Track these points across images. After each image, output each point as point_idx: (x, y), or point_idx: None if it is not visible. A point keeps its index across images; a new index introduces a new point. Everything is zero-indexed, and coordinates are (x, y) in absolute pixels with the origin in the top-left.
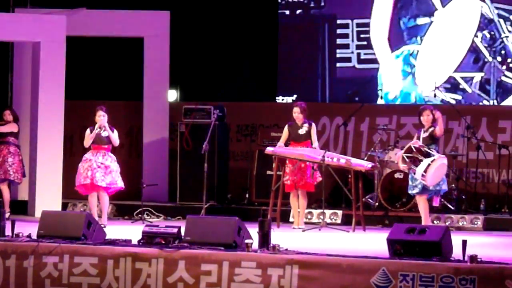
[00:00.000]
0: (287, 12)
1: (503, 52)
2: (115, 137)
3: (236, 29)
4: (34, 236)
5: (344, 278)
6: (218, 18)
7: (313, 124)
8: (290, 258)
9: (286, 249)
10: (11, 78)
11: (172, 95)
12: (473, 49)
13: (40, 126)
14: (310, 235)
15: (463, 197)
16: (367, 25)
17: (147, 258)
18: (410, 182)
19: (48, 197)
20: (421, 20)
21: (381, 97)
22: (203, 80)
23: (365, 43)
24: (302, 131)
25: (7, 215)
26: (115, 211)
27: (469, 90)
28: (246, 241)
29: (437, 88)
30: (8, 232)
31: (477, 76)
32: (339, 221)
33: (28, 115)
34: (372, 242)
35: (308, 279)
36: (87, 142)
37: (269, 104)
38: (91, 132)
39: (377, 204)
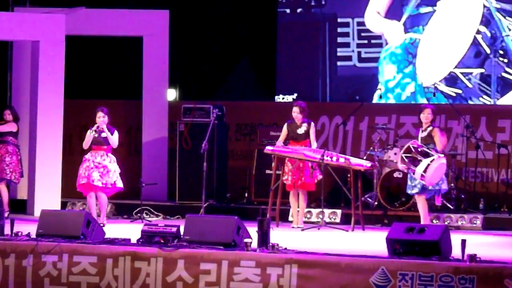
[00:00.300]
0: (288, 10)
1: (502, 52)
2: (113, 139)
3: (235, 28)
4: (33, 235)
5: (343, 278)
6: (217, 17)
7: (312, 124)
8: (289, 258)
9: (285, 249)
10: (10, 77)
11: (171, 94)
12: (475, 43)
13: (39, 125)
14: (309, 235)
15: (462, 196)
16: None
17: (146, 257)
18: (409, 182)
19: (47, 196)
20: (424, 9)
21: (380, 96)
22: (202, 79)
23: (365, 41)
24: (301, 130)
25: (6, 214)
26: (114, 210)
27: (469, 85)
28: (245, 240)
29: (436, 89)
30: (7, 231)
31: (477, 72)
32: (338, 220)
33: (27, 114)
34: (371, 242)
35: (307, 279)
36: (85, 144)
37: (268, 103)
38: (93, 131)
39: (376, 203)
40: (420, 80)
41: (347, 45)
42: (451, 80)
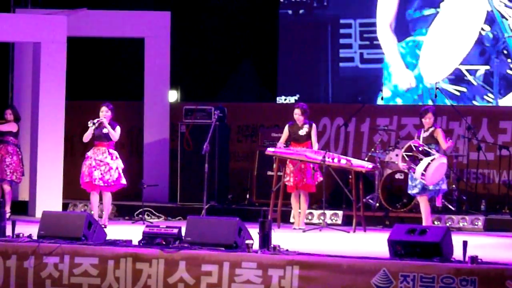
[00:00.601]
0: (290, 12)
1: (505, 52)
2: (114, 133)
3: (236, 29)
4: (35, 237)
5: (345, 279)
6: (219, 18)
7: (314, 125)
8: (291, 259)
9: (287, 250)
10: (12, 79)
11: (173, 95)
12: (479, 41)
13: (41, 126)
14: (311, 236)
15: (464, 197)
16: (370, 25)
17: (148, 258)
18: (409, 182)
19: (49, 198)
20: (427, 11)
21: (382, 98)
22: (203, 81)
23: (368, 42)
24: (302, 131)
25: (7, 215)
26: (116, 211)
27: (474, 83)
28: (247, 241)
29: (438, 89)
30: (8, 232)
31: (482, 69)
32: (339, 221)
33: (28, 116)
34: (373, 243)
35: (308, 280)
36: (85, 137)
37: (270, 105)
38: (92, 123)
39: (377, 204)
40: (425, 79)
41: (349, 46)
42: (455, 78)
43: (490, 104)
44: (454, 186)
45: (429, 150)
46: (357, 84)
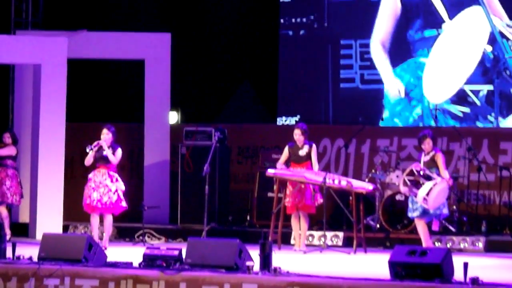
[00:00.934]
0: (290, 32)
1: (507, 72)
2: (112, 156)
3: (237, 50)
4: (35, 259)
5: None
6: (219, 39)
7: (314, 146)
8: (291, 281)
9: (288, 272)
10: (12, 100)
11: (173, 117)
12: (482, 61)
13: (41, 148)
14: (312, 257)
15: (464, 219)
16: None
17: (148, 280)
18: (410, 205)
19: (49, 220)
20: (428, 33)
21: (382, 119)
22: (204, 102)
23: (368, 63)
24: (302, 152)
25: (8, 237)
26: (116, 233)
27: (478, 103)
28: (247, 263)
29: (438, 109)
30: (9, 254)
31: (485, 89)
32: (340, 243)
33: (29, 137)
34: (374, 264)
35: None
36: (86, 161)
37: (270, 126)
38: (89, 149)
39: (378, 226)
40: (428, 100)
41: (349, 67)
42: (458, 98)
43: (491, 125)
44: (454, 207)
45: (431, 174)
46: (357, 104)
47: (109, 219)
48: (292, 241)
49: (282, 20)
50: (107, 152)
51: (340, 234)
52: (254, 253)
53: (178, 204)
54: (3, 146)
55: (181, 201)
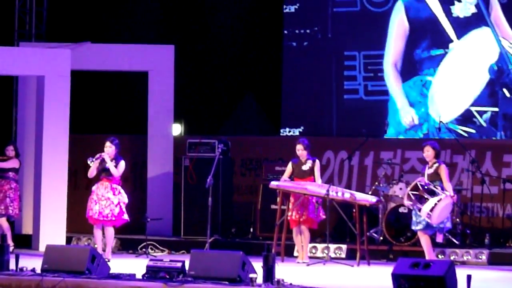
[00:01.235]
0: (294, 44)
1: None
2: (114, 169)
3: (240, 62)
4: (38, 270)
5: None
6: (223, 51)
7: (317, 161)
8: None
9: (291, 284)
10: (16, 112)
11: (177, 129)
12: (489, 83)
13: (45, 160)
14: (315, 270)
15: (468, 231)
16: (374, 57)
17: None
18: (413, 218)
19: (52, 231)
20: (435, 52)
21: (385, 132)
22: (207, 114)
23: (372, 74)
24: (305, 167)
25: (11, 249)
26: (119, 245)
27: (483, 124)
28: (251, 275)
29: (441, 123)
30: (12, 266)
31: (489, 111)
32: (343, 255)
33: (32, 149)
34: (377, 277)
35: None
36: (89, 173)
37: (274, 138)
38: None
39: (381, 238)
40: (434, 119)
41: (353, 78)
42: (464, 119)
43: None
44: (458, 219)
45: (435, 189)
46: (361, 116)
47: (110, 231)
48: (295, 253)
49: (285, 31)
50: (109, 165)
51: (343, 247)
52: (257, 265)
53: (181, 216)
54: (6, 159)
55: (184, 213)
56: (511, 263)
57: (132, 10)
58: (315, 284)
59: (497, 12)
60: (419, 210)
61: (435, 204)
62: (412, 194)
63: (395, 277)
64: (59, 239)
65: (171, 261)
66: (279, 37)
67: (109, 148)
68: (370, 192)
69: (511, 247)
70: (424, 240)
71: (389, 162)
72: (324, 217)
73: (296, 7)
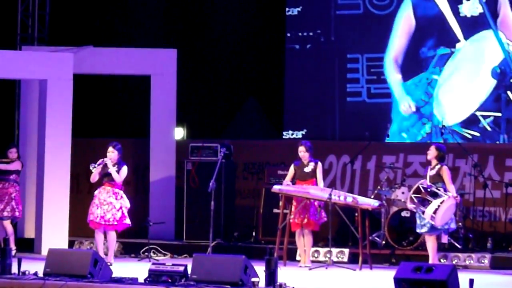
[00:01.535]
0: (297, 46)
1: None
2: (116, 174)
3: (242, 66)
4: (41, 274)
5: None
6: (225, 55)
7: (319, 163)
8: None
9: None
10: (18, 116)
11: (179, 133)
12: (495, 88)
13: (47, 163)
14: (317, 274)
15: (470, 235)
16: (377, 59)
17: None
18: (418, 221)
19: (55, 235)
20: (441, 51)
21: (388, 136)
22: (210, 118)
23: (375, 77)
24: (307, 169)
25: (13, 252)
26: (122, 249)
27: (488, 128)
28: (253, 279)
29: (444, 127)
30: (14, 270)
31: (492, 115)
32: (346, 259)
33: (34, 153)
34: (379, 281)
35: None
36: (91, 178)
37: (276, 142)
38: (93, 167)
39: (384, 242)
40: (438, 119)
41: (356, 81)
42: (469, 122)
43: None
44: (460, 224)
45: (437, 190)
46: (364, 118)
47: (112, 235)
48: (297, 257)
49: (288, 34)
50: (112, 170)
51: (346, 251)
52: (260, 269)
53: (184, 220)
54: (9, 161)
55: (187, 217)
56: None
57: (135, 14)
58: None
59: (506, 12)
60: (423, 213)
61: (438, 206)
62: (415, 197)
63: (398, 281)
64: (62, 243)
65: (173, 265)
66: (281, 40)
67: (112, 153)
68: (372, 196)
69: None
70: (431, 243)
71: (392, 166)
72: (326, 219)
73: (299, 9)
